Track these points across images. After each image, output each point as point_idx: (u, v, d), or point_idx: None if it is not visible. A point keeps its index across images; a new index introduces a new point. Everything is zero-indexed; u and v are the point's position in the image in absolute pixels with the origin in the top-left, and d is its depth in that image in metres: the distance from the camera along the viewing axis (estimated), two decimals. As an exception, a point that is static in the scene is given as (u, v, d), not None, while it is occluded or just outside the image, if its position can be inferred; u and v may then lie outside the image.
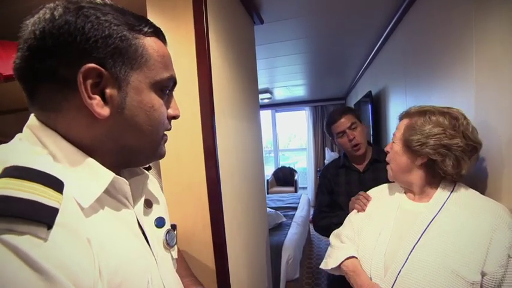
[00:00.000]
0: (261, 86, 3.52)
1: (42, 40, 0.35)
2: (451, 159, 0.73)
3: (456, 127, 0.73)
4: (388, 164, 0.86)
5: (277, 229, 2.66)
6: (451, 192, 0.76)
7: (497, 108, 0.79)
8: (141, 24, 0.41)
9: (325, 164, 1.57)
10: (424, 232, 0.72)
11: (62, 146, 0.38)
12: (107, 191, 0.40)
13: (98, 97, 0.37)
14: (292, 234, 2.55)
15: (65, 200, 0.33)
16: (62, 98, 0.37)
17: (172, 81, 0.45)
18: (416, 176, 0.80)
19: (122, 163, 0.45)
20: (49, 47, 0.35)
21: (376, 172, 1.36)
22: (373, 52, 2.33)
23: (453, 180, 0.78)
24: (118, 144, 0.41)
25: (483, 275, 0.63)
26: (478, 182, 0.87)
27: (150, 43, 0.41)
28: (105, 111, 0.38)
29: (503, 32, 0.76)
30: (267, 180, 5.09)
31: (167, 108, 0.46)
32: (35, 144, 0.38)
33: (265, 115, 5.56)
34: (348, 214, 1.20)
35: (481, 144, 0.75)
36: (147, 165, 0.58)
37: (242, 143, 1.36)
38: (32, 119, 0.40)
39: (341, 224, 1.14)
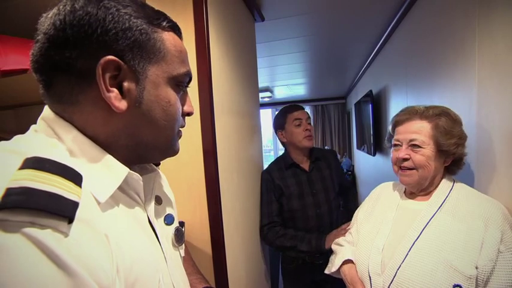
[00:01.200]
0: (261, 85, 3.52)
1: (62, 31, 0.35)
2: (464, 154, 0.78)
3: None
4: (412, 169, 0.79)
5: (277, 228, 2.65)
6: (450, 191, 0.78)
7: (499, 106, 0.79)
8: (159, 18, 0.41)
9: (266, 168, 1.50)
10: (423, 229, 0.74)
11: (77, 139, 0.37)
12: (119, 187, 0.39)
13: (115, 90, 0.37)
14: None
15: (83, 194, 0.32)
16: (80, 90, 0.37)
17: (188, 77, 0.45)
18: (439, 176, 0.81)
19: (135, 159, 0.44)
20: (69, 38, 0.35)
21: (320, 171, 1.42)
22: (375, 51, 2.32)
23: (456, 173, 0.81)
24: (133, 140, 0.41)
25: (477, 268, 0.65)
26: (479, 181, 0.87)
27: (168, 38, 0.41)
28: (122, 104, 0.37)
29: (506, 32, 0.75)
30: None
31: (182, 105, 0.45)
32: (50, 137, 0.37)
33: (265, 114, 5.55)
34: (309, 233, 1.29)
35: None
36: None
37: (242, 141, 1.35)
38: (47, 110, 0.39)
39: (312, 252, 1.25)
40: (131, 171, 0.40)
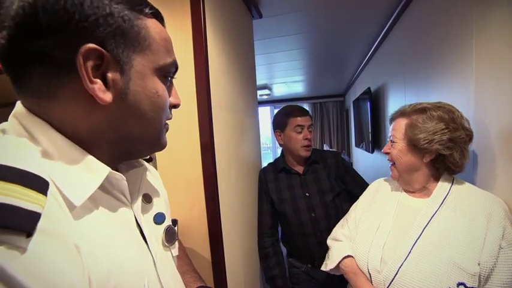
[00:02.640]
0: (259, 82, 3.50)
1: (33, 17, 0.31)
2: (458, 152, 0.75)
3: (455, 120, 0.75)
4: (392, 164, 0.86)
5: (275, 225, 2.66)
6: (450, 187, 0.78)
7: (497, 102, 0.79)
8: (141, 4, 0.38)
9: (263, 167, 1.50)
10: (425, 227, 0.74)
11: (52, 137, 0.34)
12: (102, 187, 0.37)
13: (99, 81, 0.34)
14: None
15: (50, 202, 0.29)
16: (58, 83, 0.34)
17: (174, 67, 0.42)
18: (422, 173, 0.81)
19: (122, 155, 0.42)
20: (42, 26, 0.31)
21: (316, 173, 1.36)
22: (373, 48, 2.32)
23: (455, 172, 0.80)
24: (119, 134, 0.38)
25: (479, 264, 0.65)
26: (478, 177, 0.88)
27: (152, 25, 0.39)
28: (107, 96, 0.35)
29: (503, 28, 0.75)
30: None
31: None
32: (20, 136, 0.34)
33: (264, 111, 5.54)
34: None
35: (473, 133, 0.79)
36: (148, 157, 0.55)
37: (240, 138, 1.35)
38: (19, 106, 0.36)
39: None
40: (113, 171, 0.38)
